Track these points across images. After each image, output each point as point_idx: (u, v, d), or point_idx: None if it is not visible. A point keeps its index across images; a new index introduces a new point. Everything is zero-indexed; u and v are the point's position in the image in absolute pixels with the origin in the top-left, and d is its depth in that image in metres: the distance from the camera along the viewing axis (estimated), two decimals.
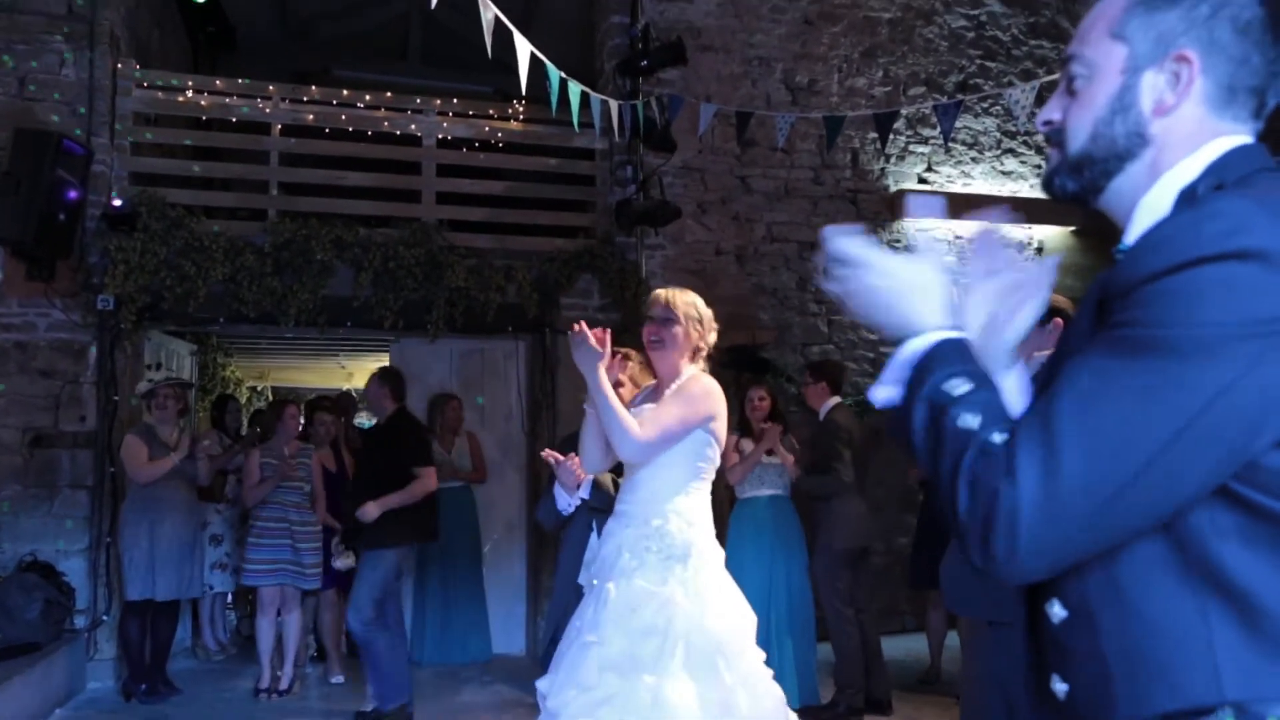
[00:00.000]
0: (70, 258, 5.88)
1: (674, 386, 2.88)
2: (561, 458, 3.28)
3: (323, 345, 9.17)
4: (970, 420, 0.99)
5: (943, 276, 1.14)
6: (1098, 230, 8.28)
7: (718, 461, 2.91)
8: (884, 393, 1.12)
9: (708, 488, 2.90)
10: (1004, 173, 8.10)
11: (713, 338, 3.00)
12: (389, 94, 7.03)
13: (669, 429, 2.74)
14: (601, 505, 3.31)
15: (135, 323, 5.98)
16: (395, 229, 6.54)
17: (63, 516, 5.86)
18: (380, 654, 5.02)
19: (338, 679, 6.03)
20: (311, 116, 6.68)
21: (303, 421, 6.76)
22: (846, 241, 1.15)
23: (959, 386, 1.02)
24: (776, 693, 2.74)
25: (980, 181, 7.99)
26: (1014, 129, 8.10)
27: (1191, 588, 0.94)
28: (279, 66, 8.76)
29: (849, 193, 7.66)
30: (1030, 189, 8.14)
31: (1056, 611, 1.03)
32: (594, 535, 3.42)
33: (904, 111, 7.50)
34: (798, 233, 7.48)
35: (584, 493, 3.43)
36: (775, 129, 6.59)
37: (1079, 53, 1.11)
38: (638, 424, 2.73)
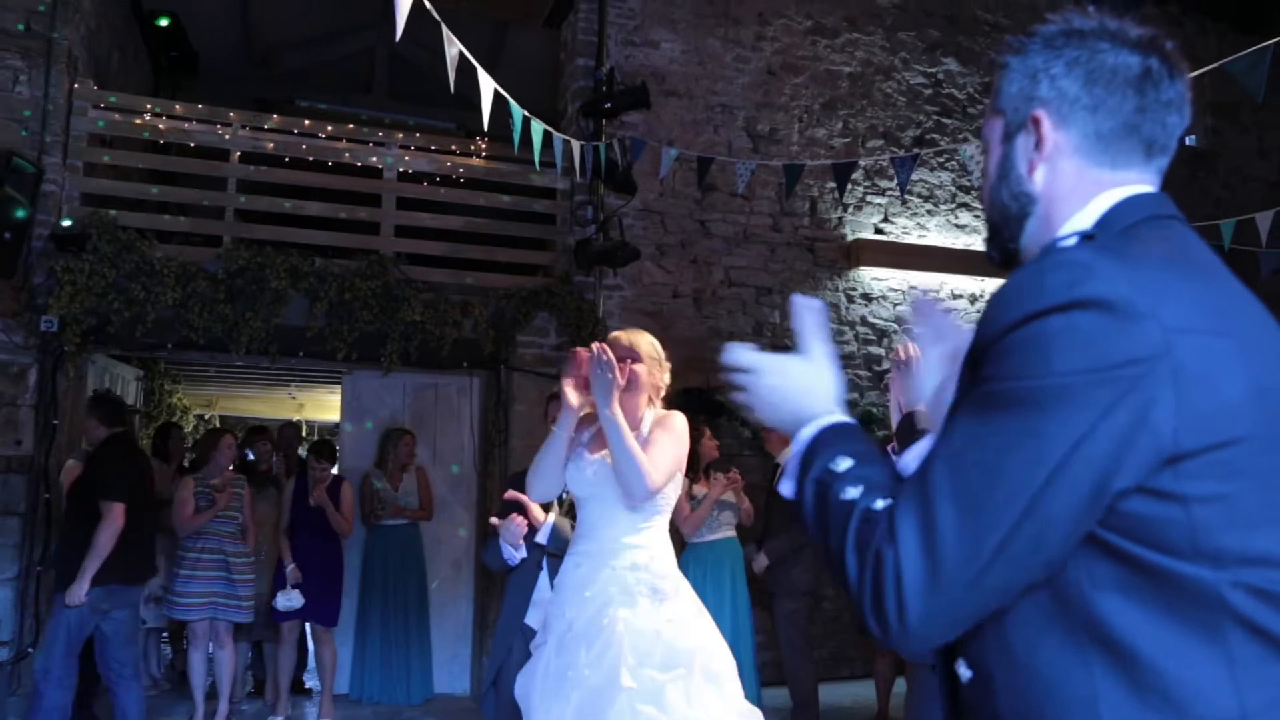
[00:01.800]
0: (14, 277, 5.75)
1: (652, 424, 2.88)
2: (501, 521, 3.25)
3: (274, 375, 9.04)
4: (851, 492, 1.01)
5: (830, 368, 1.19)
6: None
7: (675, 495, 2.90)
8: (786, 486, 1.14)
9: (667, 519, 2.90)
10: (958, 226, 8.27)
11: (667, 378, 3.01)
12: (351, 125, 7.02)
13: (672, 470, 2.78)
14: (558, 550, 3.27)
15: (79, 346, 5.84)
16: (352, 260, 6.49)
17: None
18: (43, 710, 4.62)
19: (276, 719, 5.86)
20: (272, 145, 6.63)
21: (248, 453, 6.65)
22: (739, 352, 1.23)
23: (842, 464, 1.05)
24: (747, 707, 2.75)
25: (935, 234, 8.14)
26: (969, 184, 8.28)
27: (1075, 642, 0.94)
28: (242, 94, 8.72)
29: (806, 240, 7.76)
30: (983, 242, 8.30)
31: (963, 671, 1.04)
32: (544, 576, 3.38)
33: (862, 163, 7.64)
34: (755, 278, 7.55)
35: (543, 538, 3.39)
36: (735, 175, 6.68)
37: (982, 132, 1.19)
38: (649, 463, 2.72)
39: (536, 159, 5.46)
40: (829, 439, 1.11)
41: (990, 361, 0.96)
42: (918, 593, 0.92)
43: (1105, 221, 1.06)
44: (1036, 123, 1.10)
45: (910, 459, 1.20)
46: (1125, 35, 1.08)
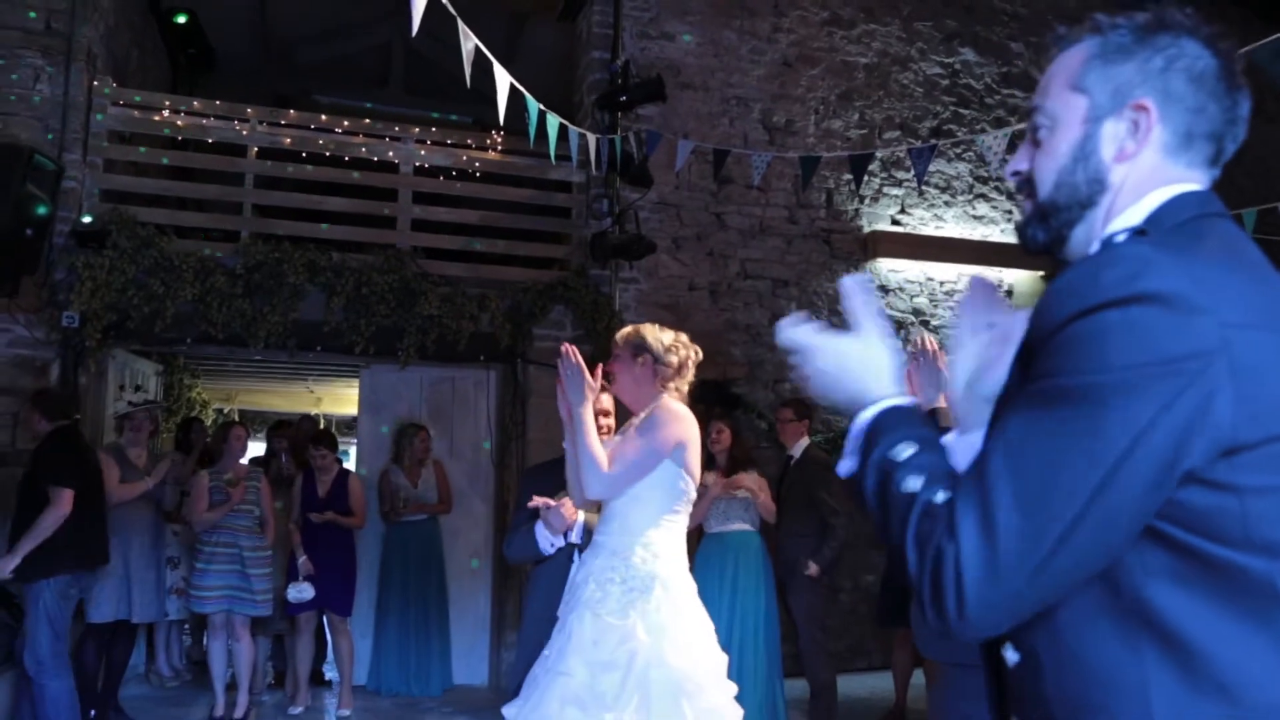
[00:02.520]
0: (36, 273, 5.80)
1: (638, 419, 2.89)
2: (552, 502, 3.24)
3: (291, 369, 9.09)
4: (913, 483, 1.01)
5: (888, 348, 1.18)
6: None
7: (692, 494, 2.89)
8: (845, 464, 1.15)
9: (682, 520, 2.88)
10: (975, 217, 8.22)
11: (675, 359, 2.95)
12: (367, 120, 7.04)
13: (631, 462, 2.74)
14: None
15: (100, 341, 5.90)
16: (369, 255, 6.52)
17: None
18: (52, 699, 4.65)
19: (296, 710, 5.91)
20: (289, 140, 6.67)
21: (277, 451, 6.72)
22: (795, 331, 1.22)
23: (904, 451, 1.05)
24: None
25: (952, 225, 8.10)
26: (986, 174, 8.23)
27: (1126, 629, 0.95)
28: (259, 90, 8.77)
29: (823, 232, 7.73)
30: (1001, 233, 8.26)
31: (1010, 655, 1.06)
32: (575, 566, 3.40)
33: (879, 154, 7.60)
34: (771, 270, 7.53)
35: (575, 536, 3.40)
36: (751, 167, 6.66)
37: (1041, 105, 1.15)
38: (605, 460, 2.75)
39: (552, 153, 5.46)
40: (890, 422, 1.10)
41: (1047, 356, 0.96)
42: (977, 587, 0.93)
43: (1155, 217, 1.06)
44: (1143, 112, 1.08)
45: (959, 446, 1.19)
46: (1213, 39, 1.09)
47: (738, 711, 2.76)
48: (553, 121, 5.30)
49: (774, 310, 7.50)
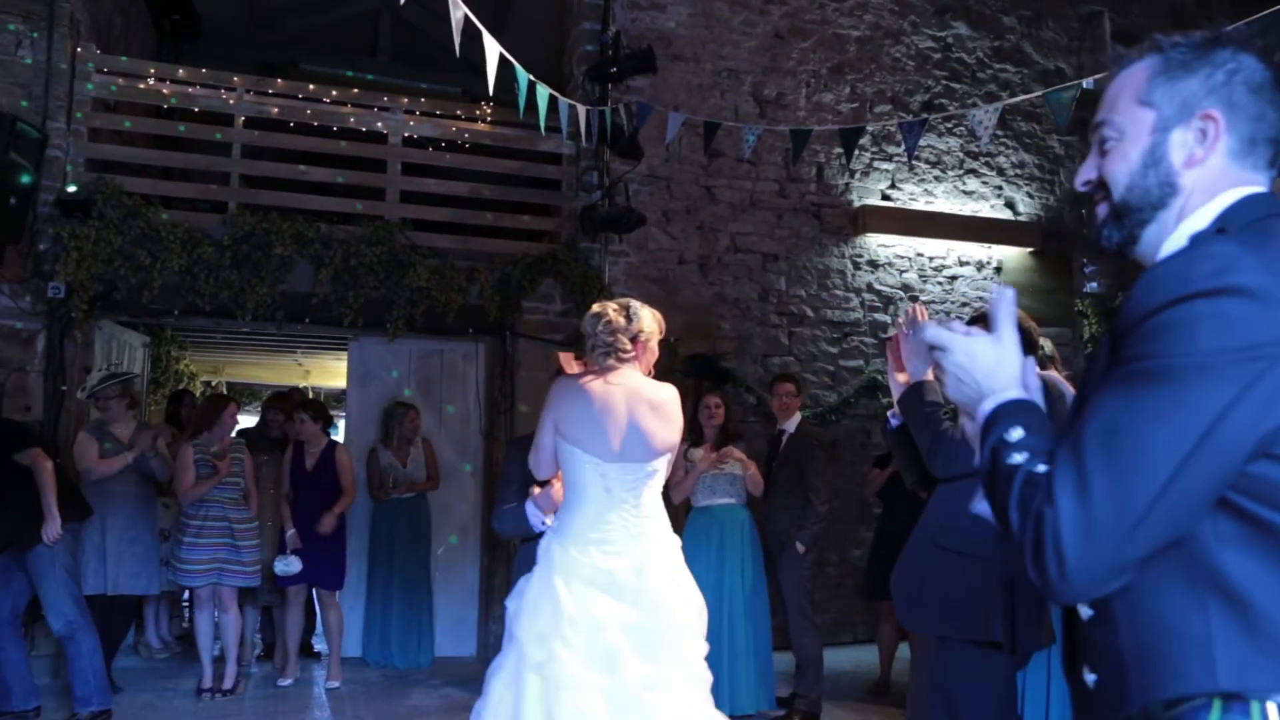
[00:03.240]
0: (20, 243, 5.75)
1: None
2: (540, 489, 3.30)
3: (280, 341, 9.05)
4: (1019, 457, 1.13)
5: (1016, 352, 1.28)
6: (1056, 252, 8.42)
7: (599, 466, 2.93)
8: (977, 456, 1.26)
9: (587, 498, 2.94)
10: (966, 192, 8.21)
11: (602, 330, 3.03)
12: (356, 90, 6.98)
13: (536, 440, 3.06)
14: None
15: (86, 312, 5.85)
16: (357, 226, 6.48)
17: None
18: (89, 653, 4.86)
19: (285, 682, 5.93)
20: (276, 109, 6.60)
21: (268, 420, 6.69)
22: (935, 330, 1.32)
23: (1014, 433, 1.16)
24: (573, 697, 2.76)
25: (942, 200, 8.09)
26: (977, 149, 8.22)
27: (1195, 589, 1.06)
28: (245, 58, 8.65)
29: (813, 206, 7.72)
30: (991, 209, 8.26)
31: (1084, 610, 1.18)
32: None
33: (869, 128, 7.58)
34: (761, 244, 7.52)
35: None
36: (742, 140, 6.63)
37: (1109, 119, 1.28)
38: None
39: (542, 124, 5.43)
40: (1008, 411, 1.21)
41: (1139, 340, 1.07)
42: (1074, 549, 1.03)
43: (1226, 217, 1.18)
44: (1211, 121, 1.20)
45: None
46: (1262, 52, 1.21)
47: (674, 686, 2.87)
48: (542, 93, 5.26)
49: (763, 285, 7.50)
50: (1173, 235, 1.22)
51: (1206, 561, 1.06)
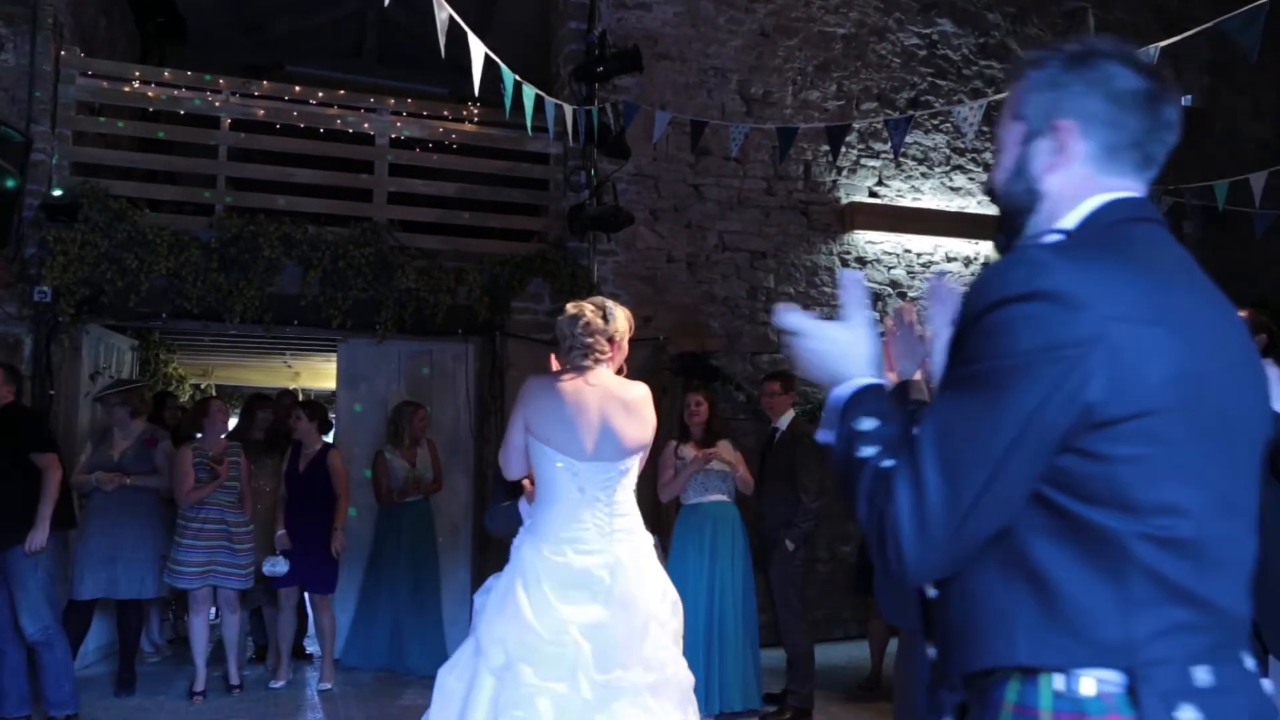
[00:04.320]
0: (6, 248, 5.73)
1: None
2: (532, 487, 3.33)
3: (269, 344, 9.02)
4: (869, 450, 1.20)
5: (868, 335, 1.34)
6: None
7: (569, 463, 2.96)
8: (822, 434, 1.33)
9: (558, 494, 2.97)
10: (953, 189, 8.25)
11: (578, 331, 3.05)
12: (342, 91, 6.97)
13: (506, 439, 3.08)
14: None
15: (74, 316, 5.84)
16: (345, 228, 6.47)
17: None
18: (63, 659, 4.87)
19: (278, 684, 5.93)
20: (262, 112, 6.59)
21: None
22: (792, 316, 1.38)
23: (866, 423, 1.23)
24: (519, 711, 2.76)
25: (929, 197, 8.12)
26: (963, 146, 8.25)
27: (1008, 572, 1.14)
28: (230, 60, 8.63)
29: (800, 204, 7.74)
30: (978, 205, 8.30)
31: (930, 591, 1.27)
32: None
33: (856, 125, 7.60)
34: (749, 242, 7.54)
35: None
36: (729, 139, 6.65)
37: (996, 132, 1.38)
38: None
39: (529, 124, 5.43)
40: (860, 398, 1.28)
41: (968, 343, 1.15)
42: (910, 541, 1.12)
43: (1089, 221, 1.24)
44: (1062, 132, 1.26)
45: None
46: (1135, 60, 1.26)
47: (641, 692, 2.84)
48: (529, 93, 5.26)
49: (751, 282, 7.52)
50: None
51: (1018, 547, 1.13)
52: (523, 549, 2.94)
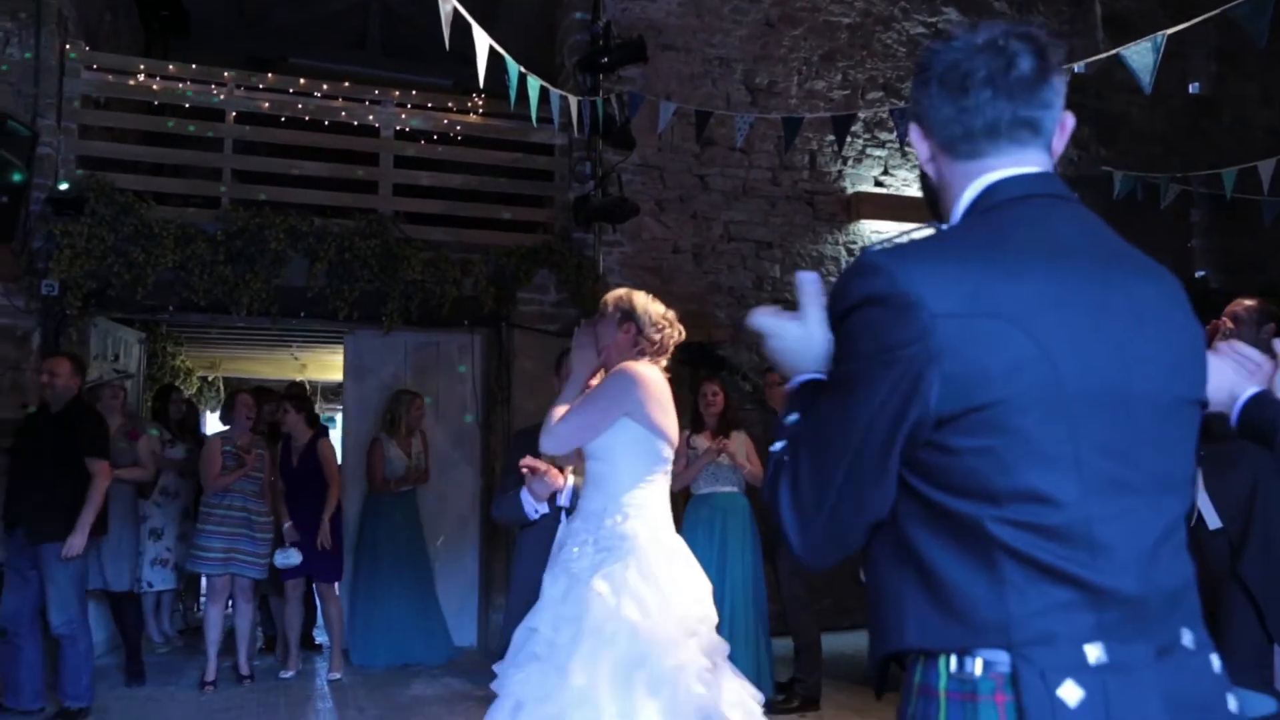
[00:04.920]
0: (13, 241, 5.74)
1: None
2: (541, 465, 3.24)
3: (276, 336, 9.04)
4: (778, 445, 1.27)
5: (820, 331, 1.36)
6: None
7: (669, 455, 2.93)
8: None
9: (662, 483, 2.92)
10: None
11: (658, 335, 2.98)
12: (346, 84, 6.96)
13: (575, 416, 2.83)
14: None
15: (81, 309, 5.85)
16: (351, 220, 6.47)
17: None
18: (84, 653, 4.96)
19: (287, 674, 5.96)
20: (267, 104, 6.59)
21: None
22: (758, 317, 1.45)
23: (790, 418, 1.30)
24: (697, 699, 2.65)
25: None
26: None
27: (898, 561, 1.19)
28: (234, 53, 8.63)
29: (806, 194, 7.72)
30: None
31: (863, 576, 1.30)
32: (561, 528, 3.45)
33: (862, 115, 7.58)
34: (755, 232, 7.53)
35: (564, 499, 3.41)
36: (734, 129, 6.63)
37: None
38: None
39: (534, 115, 5.42)
40: (796, 393, 1.35)
41: (837, 342, 1.23)
42: (793, 529, 1.21)
43: (971, 207, 1.26)
44: (917, 127, 1.31)
45: None
46: (954, 40, 1.25)
47: (713, 670, 2.76)
48: (533, 84, 5.25)
49: (758, 272, 7.51)
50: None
51: (903, 538, 1.18)
52: (640, 536, 2.78)
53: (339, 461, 6.36)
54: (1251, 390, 1.88)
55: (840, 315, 1.20)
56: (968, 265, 1.15)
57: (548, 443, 2.88)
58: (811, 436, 1.21)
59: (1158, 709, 1.09)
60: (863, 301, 1.15)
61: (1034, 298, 1.13)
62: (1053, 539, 1.10)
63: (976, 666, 1.12)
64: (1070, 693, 1.07)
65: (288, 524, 5.84)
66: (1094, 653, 1.09)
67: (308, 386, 9.47)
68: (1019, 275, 1.15)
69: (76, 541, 4.80)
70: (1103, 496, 1.12)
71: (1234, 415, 1.87)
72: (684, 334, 3.08)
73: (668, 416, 2.90)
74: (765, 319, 1.44)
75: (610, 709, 2.54)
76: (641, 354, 2.96)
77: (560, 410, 2.86)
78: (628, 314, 2.96)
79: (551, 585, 2.79)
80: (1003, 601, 1.11)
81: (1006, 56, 1.21)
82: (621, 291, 3.06)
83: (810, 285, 1.41)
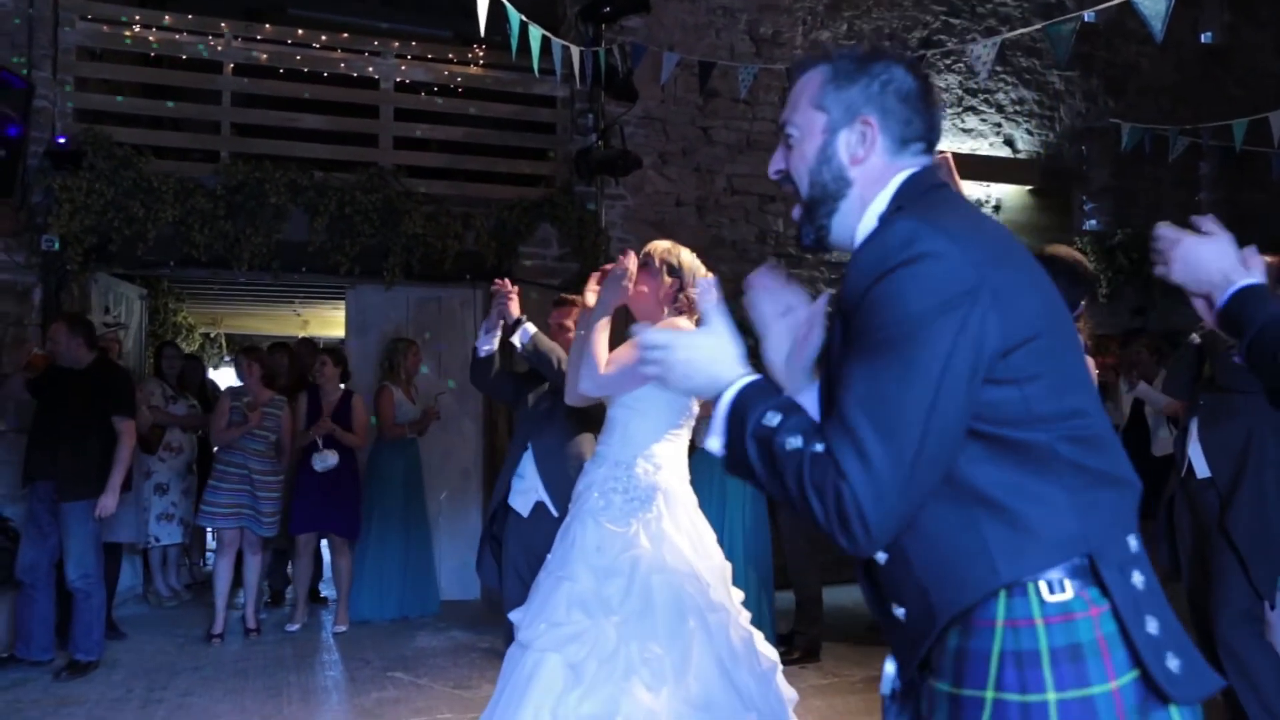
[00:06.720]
0: (12, 196, 5.70)
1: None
2: (511, 287, 3.55)
3: (277, 291, 9.02)
4: (795, 441, 1.23)
5: (731, 336, 1.39)
6: (1055, 190, 8.37)
7: (696, 410, 2.94)
8: (714, 442, 1.37)
9: (685, 436, 2.95)
10: (964, 130, 8.13)
11: (683, 283, 2.96)
12: (345, 35, 6.87)
13: (625, 367, 2.75)
14: (532, 360, 3.66)
15: (82, 264, 5.83)
16: (351, 174, 6.42)
17: (6, 461, 5.74)
18: (98, 608, 5.05)
19: (293, 627, 6.02)
20: (265, 56, 6.51)
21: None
22: (650, 335, 1.42)
23: (774, 418, 1.27)
24: (744, 635, 2.76)
25: (941, 139, 7.99)
26: (975, 86, 8.11)
27: (962, 509, 1.24)
28: (231, 4, 8.49)
29: None
30: (990, 147, 8.19)
31: (880, 556, 1.32)
32: (528, 456, 3.66)
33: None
34: (758, 185, 7.46)
35: (519, 339, 3.70)
36: (738, 80, 6.54)
37: (791, 118, 1.46)
38: (604, 360, 2.80)
39: (535, 66, 5.35)
40: (752, 396, 1.32)
41: (863, 316, 1.24)
42: (873, 510, 1.18)
43: (900, 195, 1.39)
44: (868, 126, 1.40)
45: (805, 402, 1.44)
46: (909, 63, 1.43)
47: (743, 614, 2.84)
48: (535, 34, 5.18)
49: (761, 226, 7.46)
50: (864, 219, 1.41)
51: (966, 483, 1.24)
52: (674, 485, 2.85)
53: None
54: (1247, 280, 1.83)
55: (874, 280, 1.23)
56: (968, 225, 1.29)
57: (589, 385, 2.82)
58: (868, 407, 1.20)
59: (1159, 587, 1.29)
60: (908, 260, 1.21)
61: (1019, 253, 1.32)
62: (1094, 447, 1.26)
63: (1068, 588, 1.21)
64: (1138, 579, 1.24)
65: (316, 431, 5.92)
66: (1133, 543, 1.26)
67: (320, 344, 9.42)
68: (998, 235, 1.32)
69: (109, 501, 4.90)
70: (1101, 411, 1.32)
71: (1222, 299, 1.84)
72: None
73: None
74: (660, 335, 1.42)
75: (669, 658, 2.57)
76: (679, 311, 2.94)
77: (602, 354, 2.80)
78: (674, 269, 2.95)
79: (582, 533, 2.77)
80: (1077, 513, 1.23)
81: (930, 89, 1.44)
82: (668, 244, 3.04)
83: (709, 290, 1.47)
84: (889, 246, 1.24)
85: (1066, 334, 1.31)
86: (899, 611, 1.33)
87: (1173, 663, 1.21)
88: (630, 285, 2.84)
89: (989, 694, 1.21)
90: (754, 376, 1.35)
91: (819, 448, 1.21)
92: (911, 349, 1.19)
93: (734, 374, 1.35)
